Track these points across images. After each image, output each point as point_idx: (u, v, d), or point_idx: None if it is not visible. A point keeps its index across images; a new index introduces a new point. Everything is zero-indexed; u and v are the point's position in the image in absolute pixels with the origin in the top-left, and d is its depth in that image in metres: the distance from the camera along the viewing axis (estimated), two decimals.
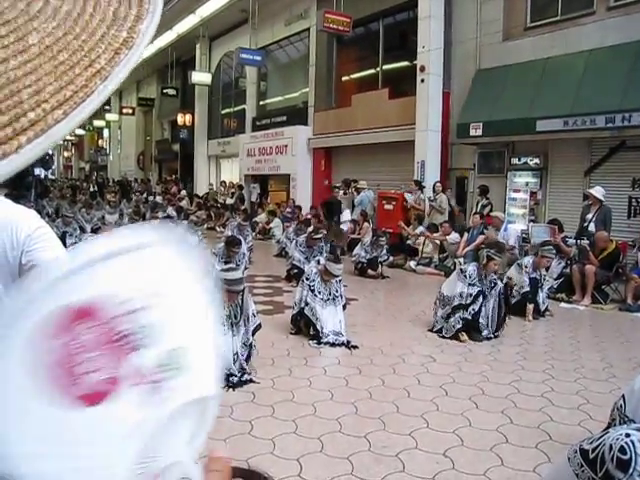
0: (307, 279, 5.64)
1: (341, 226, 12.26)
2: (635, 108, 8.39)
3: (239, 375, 4.37)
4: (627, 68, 8.80)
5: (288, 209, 15.13)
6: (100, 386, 0.42)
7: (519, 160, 10.83)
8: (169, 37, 22.28)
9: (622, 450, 1.86)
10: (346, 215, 12.86)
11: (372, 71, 15.13)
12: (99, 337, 0.42)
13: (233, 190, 19.10)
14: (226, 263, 7.19)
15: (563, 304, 7.62)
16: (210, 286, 0.52)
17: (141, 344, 0.43)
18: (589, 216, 8.37)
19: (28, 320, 0.42)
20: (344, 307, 5.79)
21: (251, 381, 4.38)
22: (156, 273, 0.47)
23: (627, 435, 1.92)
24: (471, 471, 3.10)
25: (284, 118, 17.81)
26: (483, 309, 5.74)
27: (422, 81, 12.05)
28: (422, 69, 12.01)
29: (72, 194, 22.40)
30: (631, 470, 1.73)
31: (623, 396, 2.68)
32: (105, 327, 0.42)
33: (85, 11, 0.48)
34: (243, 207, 15.97)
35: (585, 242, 8.12)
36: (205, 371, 0.49)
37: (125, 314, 0.43)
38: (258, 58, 17.53)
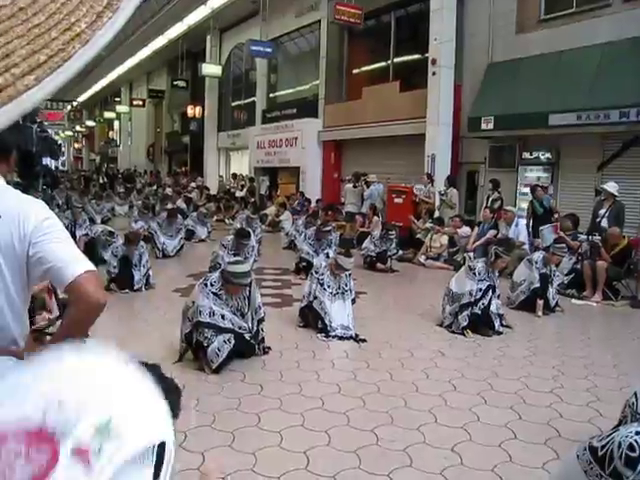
0: (316, 272, 5.61)
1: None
2: None
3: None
4: None
5: (297, 202, 15.11)
6: (37, 471, 0.42)
7: (530, 154, 10.75)
8: (179, 29, 22.25)
9: (631, 447, 1.84)
10: None
11: (383, 64, 15.04)
12: (27, 441, 0.43)
13: (243, 182, 19.10)
14: (235, 255, 7.21)
15: (574, 300, 7.54)
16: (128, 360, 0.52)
17: (67, 430, 0.44)
18: (602, 212, 8.26)
19: None
20: (353, 301, 5.77)
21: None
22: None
23: (637, 433, 1.89)
24: (479, 467, 3.08)
25: (294, 111, 17.76)
26: (493, 302, 5.72)
27: (434, 74, 11.96)
28: (434, 62, 11.92)
29: (85, 185, 22.51)
30: (639, 468, 1.70)
31: (635, 393, 2.65)
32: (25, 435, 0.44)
33: None
34: (252, 199, 15.98)
35: (597, 238, 8.04)
36: (141, 428, 0.48)
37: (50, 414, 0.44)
38: (268, 50, 17.48)
